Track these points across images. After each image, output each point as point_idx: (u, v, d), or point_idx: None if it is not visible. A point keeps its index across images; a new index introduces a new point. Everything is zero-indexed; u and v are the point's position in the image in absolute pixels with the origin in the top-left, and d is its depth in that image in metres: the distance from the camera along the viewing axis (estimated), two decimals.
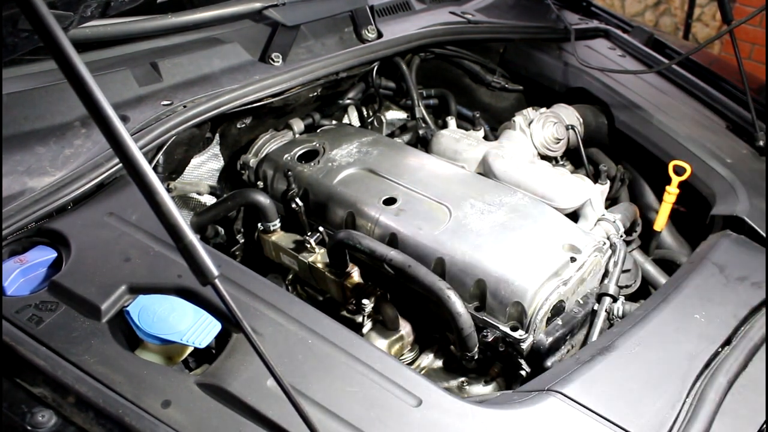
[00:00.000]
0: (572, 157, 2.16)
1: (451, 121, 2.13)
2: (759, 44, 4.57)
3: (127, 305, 1.17)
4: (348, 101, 2.21)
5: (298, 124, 2.01)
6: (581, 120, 2.14)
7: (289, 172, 1.76)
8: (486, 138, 2.11)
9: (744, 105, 2.04)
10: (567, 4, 2.62)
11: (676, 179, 1.84)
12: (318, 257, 1.65)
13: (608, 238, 1.68)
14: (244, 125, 1.95)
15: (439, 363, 1.61)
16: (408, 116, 2.36)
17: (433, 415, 1.09)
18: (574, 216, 1.77)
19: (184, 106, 1.61)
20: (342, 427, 1.05)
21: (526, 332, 1.44)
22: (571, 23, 2.40)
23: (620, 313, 1.60)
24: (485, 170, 1.89)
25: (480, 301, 1.49)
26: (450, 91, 2.39)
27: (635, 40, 2.42)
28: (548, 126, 2.02)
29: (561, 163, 2.09)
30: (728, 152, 1.90)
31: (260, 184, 1.88)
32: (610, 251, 1.64)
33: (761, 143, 1.92)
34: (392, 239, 1.60)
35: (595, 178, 1.88)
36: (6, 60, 1.41)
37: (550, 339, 1.45)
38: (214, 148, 1.96)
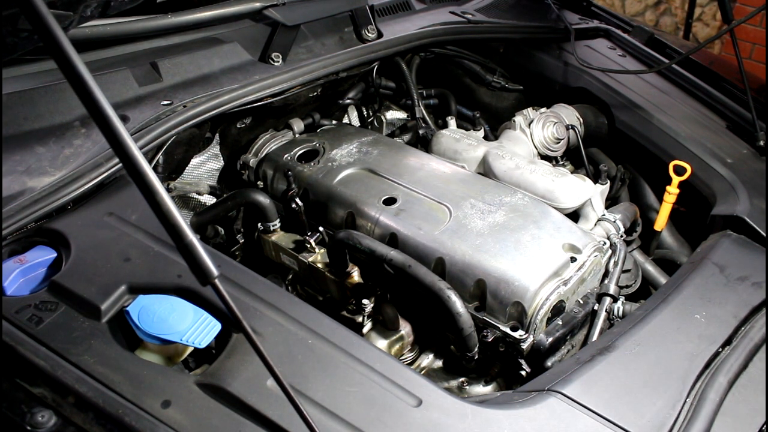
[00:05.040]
0: (572, 157, 2.16)
1: (451, 121, 2.13)
2: (759, 44, 4.57)
3: (127, 305, 1.17)
4: (348, 101, 2.21)
5: (298, 124, 2.01)
6: (581, 120, 2.14)
7: (289, 172, 1.76)
8: (486, 138, 2.11)
9: (744, 105, 2.04)
10: (567, 4, 2.62)
11: (676, 179, 1.84)
12: (318, 257, 1.65)
13: (608, 238, 1.68)
14: (244, 125, 1.95)
15: (439, 363, 1.61)
16: (408, 116, 2.36)
17: (433, 415, 1.09)
18: (574, 216, 1.77)
19: (184, 106, 1.60)
20: (342, 427, 1.05)
21: (526, 332, 1.44)
22: (571, 23, 2.40)
23: (620, 313, 1.60)
24: (485, 170, 1.89)
25: (480, 301, 1.49)
26: (450, 91, 2.40)
27: (635, 39, 2.42)
28: (548, 126, 2.02)
29: (561, 163, 2.09)
30: (728, 152, 1.90)
31: (260, 183, 1.88)
32: (610, 251, 1.64)
33: (761, 143, 1.92)
34: (392, 239, 1.60)
35: (596, 178, 1.88)
36: (6, 60, 1.41)
37: (550, 339, 1.45)
38: (214, 148, 1.96)
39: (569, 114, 2.13)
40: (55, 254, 1.29)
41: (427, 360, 1.60)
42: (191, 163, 1.88)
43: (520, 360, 1.46)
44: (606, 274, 1.63)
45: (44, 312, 1.15)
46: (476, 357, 1.47)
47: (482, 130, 2.10)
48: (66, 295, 1.18)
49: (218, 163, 1.99)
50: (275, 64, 1.86)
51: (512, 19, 2.39)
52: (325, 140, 1.91)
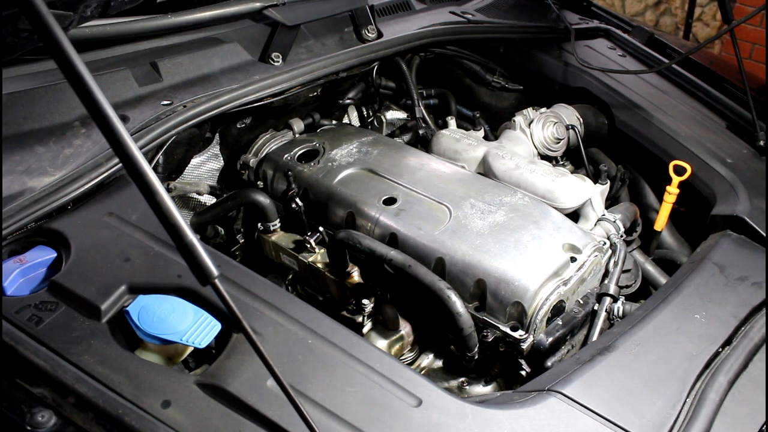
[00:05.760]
0: (572, 157, 2.16)
1: (451, 121, 2.13)
2: (759, 44, 4.57)
3: (127, 305, 1.17)
4: (348, 101, 2.21)
5: (298, 124, 2.01)
6: (581, 120, 2.14)
7: (289, 172, 1.76)
8: (486, 138, 2.11)
9: (744, 105, 2.04)
10: (567, 4, 2.62)
11: (676, 179, 1.84)
12: (318, 257, 1.65)
13: (608, 238, 1.68)
14: (244, 125, 1.95)
15: (439, 363, 1.61)
16: (408, 116, 2.36)
17: (433, 415, 1.09)
18: (574, 216, 1.76)
19: (184, 106, 1.60)
20: (342, 427, 1.05)
21: (526, 332, 1.44)
22: (571, 23, 2.40)
23: (620, 313, 1.60)
24: (485, 170, 1.89)
25: (480, 301, 1.49)
26: (450, 91, 2.40)
27: (635, 39, 2.42)
28: (548, 126, 2.02)
29: (561, 163, 2.09)
30: (728, 152, 1.90)
31: (260, 183, 1.88)
32: (610, 251, 1.64)
33: (761, 143, 1.92)
34: (392, 239, 1.60)
35: (596, 178, 1.88)
36: (6, 60, 1.41)
37: (550, 339, 1.45)
38: (214, 148, 1.96)
39: (569, 114, 2.13)
40: (55, 254, 1.29)
41: (427, 360, 1.60)
42: (191, 163, 1.88)
43: (520, 360, 1.46)
44: (606, 274, 1.63)
45: (44, 312, 1.15)
46: (476, 357, 1.47)
47: (482, 130, 2.10)
48: (66, 295, 1.18)
49: (218, 163, 1.99)
50: (275, 64, 1.86)
51: (512, 19, 2.39)
52: (325, 140, 1.91)
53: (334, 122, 2.13)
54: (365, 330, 1.55)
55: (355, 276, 1.59)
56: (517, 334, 1.44)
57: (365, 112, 2.33)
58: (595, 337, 1.54)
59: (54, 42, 0.70)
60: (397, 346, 1.55)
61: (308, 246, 1.65)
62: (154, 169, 1.66)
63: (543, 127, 2.02)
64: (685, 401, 1.19)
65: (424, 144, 2.12)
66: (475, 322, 1.45)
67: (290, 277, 1.75)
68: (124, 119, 1.52)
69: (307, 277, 1.69)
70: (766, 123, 1.96)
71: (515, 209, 1.62)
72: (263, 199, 1.71)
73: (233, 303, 0.81)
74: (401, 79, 2.26)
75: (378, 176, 1.75)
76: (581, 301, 1.55)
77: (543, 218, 1.60)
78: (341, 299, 1.61)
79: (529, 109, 2.08)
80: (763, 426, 1.19)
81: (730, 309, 1.40)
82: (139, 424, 0.99)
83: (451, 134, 2.01)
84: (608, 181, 1.84)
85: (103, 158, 1.42)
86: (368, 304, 1.53)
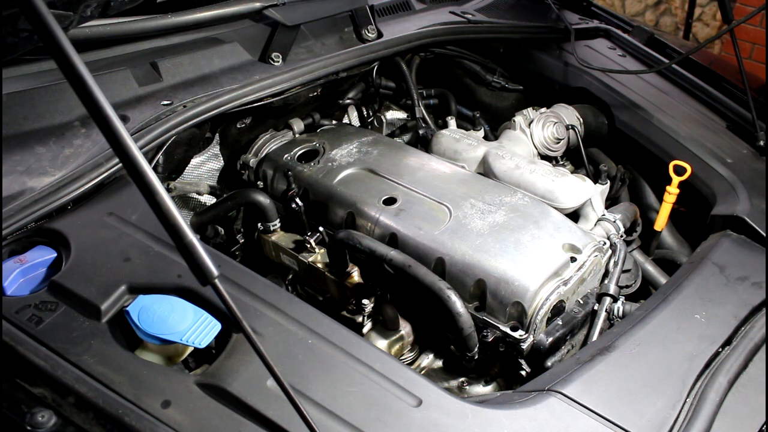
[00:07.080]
0: (572, 157, 2.16)
1: (451, 121, 2.13)
2: (759, 44, 4.57)
3: (127, 305, 1.17)
4: (348, 101, 2.21)
5: (298, 124, 2.01)
6: (581, 120, 2.14)
7: (289, 172, 1.76)
8: (486, 138, 2.11)
9: (744, 105, 2.04)
10: (567, 4, 2.62)
11: (676, 179, 1.84)
12: (318, 257, 1.65)
13: (608, 238, 1.68)
14: (244, 125, 1.95)
15: (439, 363, 1.61)
16: (408, 116, 2.36)
17: (433, 415, 1.09)
18: (574, 216, 1.77)
19: (184, 106, 1.61)
20: (342, 427, 1.05)
21: (526, 332, 1.44)
22: (571, 23, 2.40)
23: (620, 313, 1.60)
24: (485, 170, 1.89)
25: (480, 301, 1.49)
26: (450, 91, 2.40)
27: (635, 39, 2.42)
28: (548, 126, 2.02)
29: (561, 163, 2.09)
30: (728, 152, 1.90)
31: (260, 183, 1.88)
32: (610, 251, 1.64)
33: (761, 143, 1.92)
34: (392, 239, 1.60)
35: (596, 178, 1.88)
36: (6, 60, 1.41)
37: (551, 339, 1.45)
38: (214, 148, 1.96)
39: (569, 114, 2.13)
40: (55, 254, 1.29)
41: (427, 360, 1.60)
42: (191, 163, 1.88)
43: (520, 360, 1.46)
44: (606, 274, 1.63)
45: (44, 312, 1.15)
46: (476, 357, 1.47)
47: (482, 130, 2.10)
48: (66, 295, 1.18)
49: (218, 163, 1.99)
50: (275, 64, 1.86)
51: (512, 19, 2.39)
52: (325, 140, 1.91)
53: (334, 122, 2.13)
54: (365, 330, 1.55)
55: (355, 276, 1.59)
56: (517, 334, 1.44)
57: (365, 112, 2.33)
58: (595, 337, 1.54)
59: (54, 42, 0.70)
60: (397, 346, 1.55)
61: (308, 246, 1.65)
62: (154, 169, 1.66)
63: (543, 127, 2.02)
64: (685, 401, 1.19)
65: (424, 144, 2.12)
66: (475, 322, 1.45)
67: (290, 277, 1.75)
68: (124, 119, 1.52)
69: (307, 277, 1.69)
70: (766, 123, 1.96)
71: (515, 209, 1.62)
72: (263, 199, 1.70)
73: (233, 303, 0.81)
74: (401, 79, 2.26)
75: (378, 176, 1.75)
76: (581, 301, 1.55)
77: (543, 218, 1.60)
78: (341, 299, 1.61)
79: (529, 109, 2.08)
80: (763, 426, 1.19)
81: (730, 309, 1.40)
82: (139, 424, 0.99)
83: (451, 134, 2.01)
84: (608, 181, 1.84)
85: (103, 158, 1.42)
86: (368, 304, 1.53)
